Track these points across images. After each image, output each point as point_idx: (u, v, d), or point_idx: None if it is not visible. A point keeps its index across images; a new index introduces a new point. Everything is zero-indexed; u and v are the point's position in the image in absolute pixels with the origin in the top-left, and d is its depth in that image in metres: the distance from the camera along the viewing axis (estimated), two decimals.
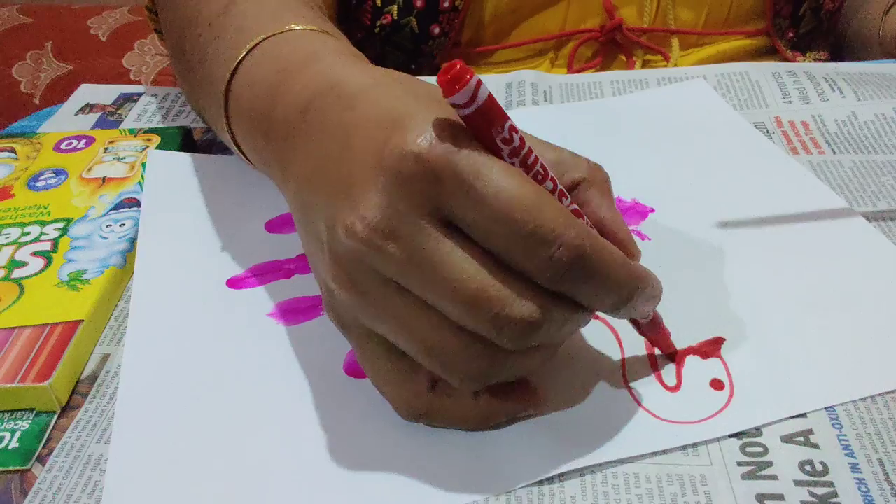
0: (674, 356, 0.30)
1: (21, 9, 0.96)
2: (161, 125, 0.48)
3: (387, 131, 0.23)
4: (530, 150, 0.23)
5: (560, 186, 0.24)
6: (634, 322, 0.29)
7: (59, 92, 0.88)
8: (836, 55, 0.62)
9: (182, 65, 0.41)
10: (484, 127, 0.22)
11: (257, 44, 0.33)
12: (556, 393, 0.28)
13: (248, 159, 0.35)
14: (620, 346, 0.30)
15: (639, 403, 0.28)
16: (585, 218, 0.26)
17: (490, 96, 0.22)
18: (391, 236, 0.22)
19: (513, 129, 0.23)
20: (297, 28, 0.33)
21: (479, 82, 0.21)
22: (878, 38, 0.56)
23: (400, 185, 0.22)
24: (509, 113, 0.45)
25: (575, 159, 0.27)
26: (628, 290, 0.24)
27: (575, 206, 0.25)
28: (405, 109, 0.24)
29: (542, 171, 0.24)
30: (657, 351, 0.30)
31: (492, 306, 0.22)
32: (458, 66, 0.21)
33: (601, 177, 0.27)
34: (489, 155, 0.22)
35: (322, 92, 0.27)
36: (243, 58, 0.33)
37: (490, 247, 0.23)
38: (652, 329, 0.29)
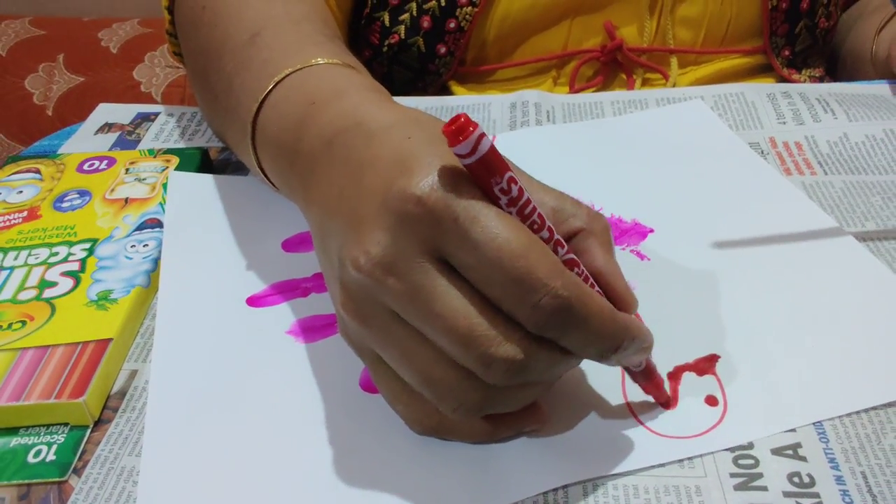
0: (667, 405, 0.30)
1: (33, 21, 0.98)
2: (178, 144, 0.50)
3: (395, 172, 0.25)
4: (528, 201, 0.25)
5: (557, 236, 0.25)
6: (627, 370, 0.29)
7: (71, 104, 0.90)
8: (832, 73, 0.64)
9: (205, 91, 0.43)
10: (484, 176, 0.24)
11: (284, 77, 0.34)
12: (561, 410, 0.30)
13: (272, 182, 0.37)
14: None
15: (637, 419, 0.30)
16: (582, 268, 0.26)
17: (492, 148, 0.23)
18: (392, 271, 0.24)
19: (512, 180, 0.24)
20: (322, 62, 0.35)
21: (482, 135, 0.23)
22: (870, 57, 0.58)
23: (402, 225, 0.24)
24: (513, 134, 0.48)
25: (576, 208, 0.28)
26: (613, 342, 0.25)
27: (570, 256, 0.26)
28: (414, 152, 0.25)
29: (538, 221, 0.25)
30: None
31: (479, 344, 0.24)
32: (463, 119, 0.23)
33: (600, 226, 0.28)
34: (487, 203, 0.24)
35: (347, 128, 0.29)
36: (270, 90, 0.35)
37: (482, 289, 0.24)
38: (644, 377, 0.29)
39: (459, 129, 0.23)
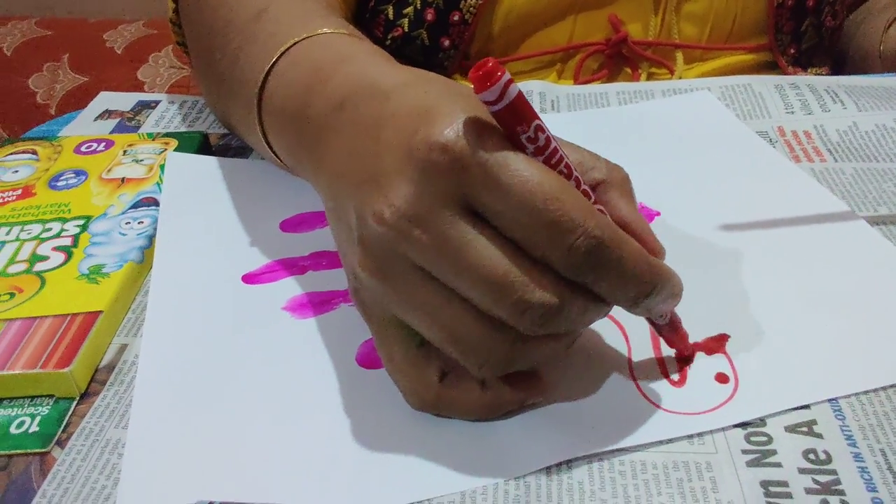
0: (689, 360, 0.30)
1: (39, 22, 0.99)
2: (177, 130, 0.50)
3: (417, 123, 0.24)
4: (555, 150, 0.24)
5: (585, 186, 0.25)
6: (652, 322, 0.29)
7: (74, 103, 0.89)
8: (838, 71, 0.63)
9: (210, 72, 0.43)
10: (512, 124, 0.23)
11: (290, 46, 0.34)
12: (566, 385, 0.29)
13: (278, 157, 0.36)
14: (627, 342, 0.31)
15: (644, 396, 0.29)
16: (608, 217, 0.26)
17: (520, 94, 0.23)
18: (418, 223, 0.23)
19: (539, 128, 0.23)
20: (328, 31, 0.34)
21: (510, 80, 0.22)
22: (878, 53, 0.57)
23: (427, 175, 0.23)
24: None
25: (595, 160, 0.27)
26: (647, 285, 0.25)
27: (598, 207, 0.26)
28: (436, 103, 0.25)
29: (565, 171, 0.24)
30: (663, 349, 0.31)
31: (513, 291, 0.23)
32: (491, 64, 0.22)
33: (621, 177, 0.28)
34: (514, 149, 0.23)
35: (357, 90, 0.28)
36: (277, 60, 0.34)
37: (513, 236, 0.24)
38: (670, 330, 0.29)
39: (487, 73, 0.22)
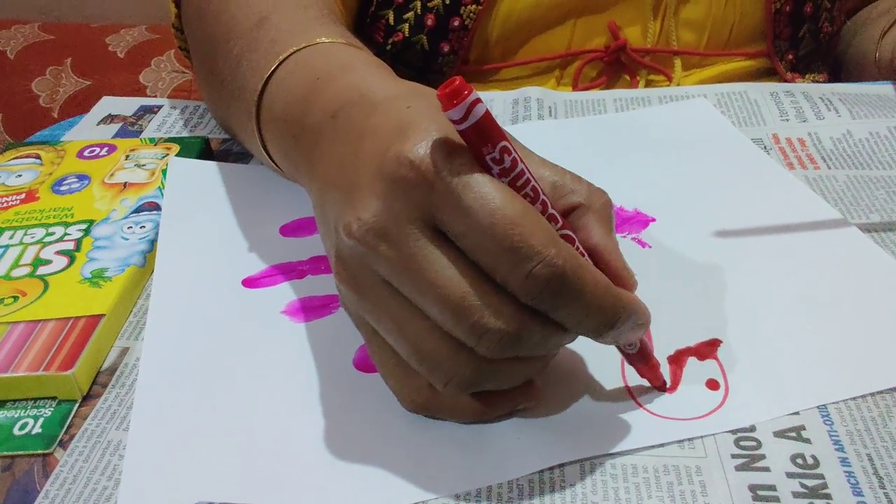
0: (663, 388, 0.29)
1: (42, 26, 0.99)
2: (179, 135, 0.50)
3: (392, 138, 0.24)
4: (522, 172, 0.24)
5: (552, 210, 0.25)
6: (621, 351, 0.28)
7: (76, 106, 0.90)
8: (835, 77, 0.64)
9: (211, 78, 0.43)
10: (477, 144, 0.23)
11: (290, 55, 0.35)
12: (558, 390, 0.30)
13: (276, 163, 0.37)
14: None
15: (636, 401, 0.29)
16: (577, 244, 0.26)
17: (486, 115, 0.23)
18: (383, 238, 0.24)
19: (505, 150, 0.23)
20: (327, 41, 0.35)
21: (477, 100, 0.22)
22: (874, 60, 0.58)
23: (395, 190, 0.24)
24: (515, 128, 0.48)
25: (576, 183, 0.27)
26: (609, 317, 0.24)
27: (566, 232, 0.25)
28: (414, 119, 0.25)
29: (531, 194, 0.24)
30: (655, 354, 0.31)
31: (470, 315, 0.23)
32: (458, 82, 0.22)
33: (600, 202, 0.27)
34: (481, 170, 0.23)
35: (351, 100, 0.29)
36: (276, 67, 0.35)
37: (475, 258, 0.23)
38: (639, 360, 0.28)
39: (454, 92, 0.22)
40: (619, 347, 0.28)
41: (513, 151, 0.24)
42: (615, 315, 0.25)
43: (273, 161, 0.37)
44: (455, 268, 0.23)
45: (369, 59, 0.34)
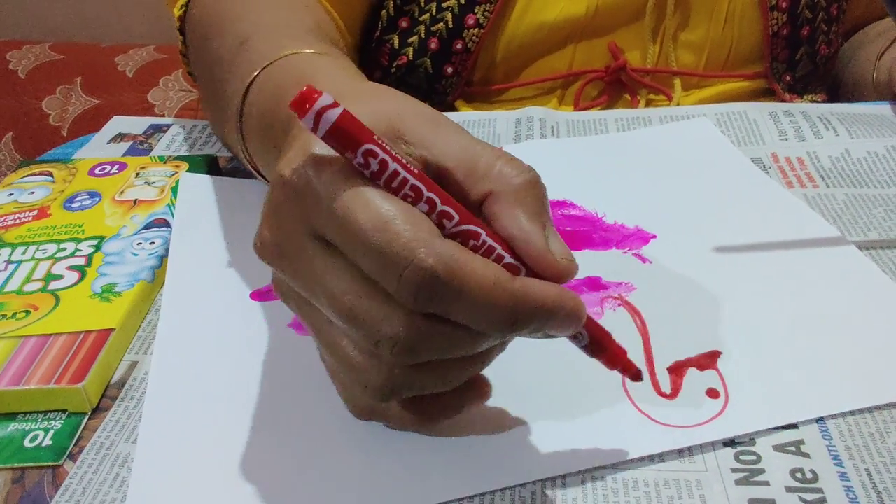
0: (636, 377, 0.27)
1: (53, 46, 1.01)
2: (188, 154, 0.51)
3: (285, 150, 0.25)
4: (395, 173, 0.23)
5: (443, 207, 0.23)
6: (577, 345, 0.26)
7: (85, 125, 0.92)
8: (833, 98, 0.65)
9: (210, 100, 0.45)
10: (339, 150, 0.22)
11: (258, 74, 0.35)
12: (558, 398, 0.30)
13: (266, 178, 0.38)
14: None
15: (637, 408, 0.30)
16: (482, 239, 0.24)
17: (341, 119, 0.21)
18: (279, 254, 0.24)
19: (370, 153, 0.22)
20: (292, 53, 0.35)
21: (327, 106, 0.21)
22: (872, 81, 0.59)
23: (277, 208, 0.24)
24: (517, 146, 0.48)
25: (489, 168, 0.24)
26: (503, 314, 0.23)
27: (467, 227, 0.23)
28: (299, 132, 0.25)
29: (412, 193, 0.23)
30: (655, 361, 0.31)
31: (362, 323, 0.23)
32: (305, 89, 0.21)
33: (514, 185, 0.24)
34: (350, 176, 0.22)
35: None
36: (249, 85, 0.35)
37: (358, 266, 0.23)
38: (596, 351, 0.26)
39: (301, 99, 0.21)
40: (570, 340, 0.26)
41: (379, 153, 0.22)
42: (510, 312, 0.23)
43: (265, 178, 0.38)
44: (345, 277, 0.23)
45: (333, 64, 0.34)
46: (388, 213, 0.22)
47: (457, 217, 0.23)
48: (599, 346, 0.26)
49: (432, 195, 0.23)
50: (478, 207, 0.25)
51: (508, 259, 0.24)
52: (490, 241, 0.24)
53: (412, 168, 0.23)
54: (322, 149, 0.23)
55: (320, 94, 0.21)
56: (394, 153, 0.23)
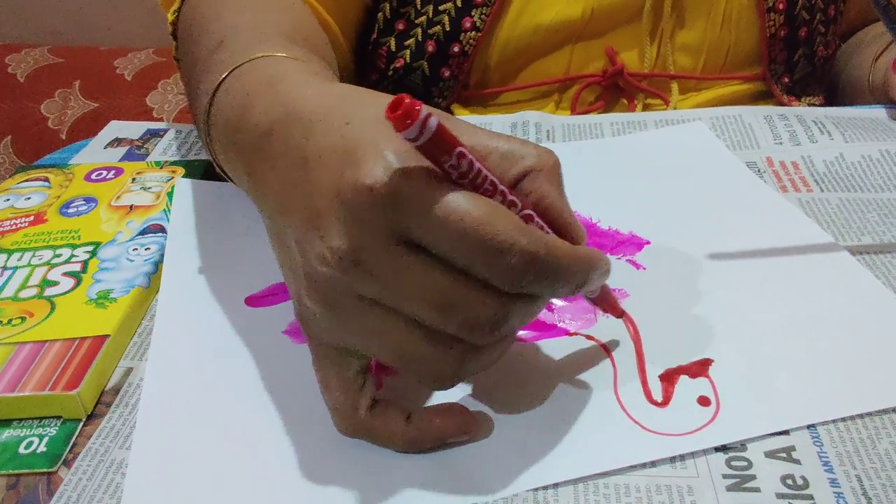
0: (621, 315, 0.34)
1: (52, 49, 1.01)
2: (184, 159, 0.51)
3: (342, 165, 0.25)
4: (479, 171, 0.25)
5: (511, 197, 0.26)
6: (585, 298, 0.31)
7: (84, 128, 0.92)
8: (832, 100, 0.65)
9: (191, 103, 0.44)
10: (435, 155, 0.24)
11: (225, 77, 0.35)
12: (552, 407, 0.30)
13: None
14: (613, 364, 0.32)
15: (629, 416, 0.30)
16: (536, 219, 0.27)
17: (439, 128, 0.23)
18: (358, 261, 0.25)
19: (461, 155, 0.24)
20: (260, 55, 0.35)
21: (428, 116, 0.22)
22: (868, 85, 0.59)
23: (359, 216, 0.24)
24: None
25: (524, 148, 0.28)
26: (581, 278, 0.27)
27: (526, 213, 0.27)
28: (356, 139, 0.25)
29: (490, 188, 0.25)
30: (648, 371, 0.32)
31: (458, 312, 0.25)
32: (407, 101, 0.22)
33: (549, 163, 0.28)
34: (440, 179, 0.24)
35: (281, 119, 0.29)
36: (216, 89, 0.35)
37: (452, 261, 0.25)
38: (601, 299, 0.32)
39: (406, 113, 0.22)
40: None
41: (467, 153, 0.24)
42: (587, 275, 0.27)
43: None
44: (435, 273, 0.25)
45: (303, 67, 0.34)
46: (486, 209, 0.24)
47: (520, 205, 0.26)
48: (605, 293, 0.32)
49: (503, 188, 0.26)
50: (511, 187, 0.27)
51: (548, 230, 0.28)
52: (538, 220, 0.27)
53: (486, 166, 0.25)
54: (398, 155, 0.24)
55: (421, 104, 0.22)
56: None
